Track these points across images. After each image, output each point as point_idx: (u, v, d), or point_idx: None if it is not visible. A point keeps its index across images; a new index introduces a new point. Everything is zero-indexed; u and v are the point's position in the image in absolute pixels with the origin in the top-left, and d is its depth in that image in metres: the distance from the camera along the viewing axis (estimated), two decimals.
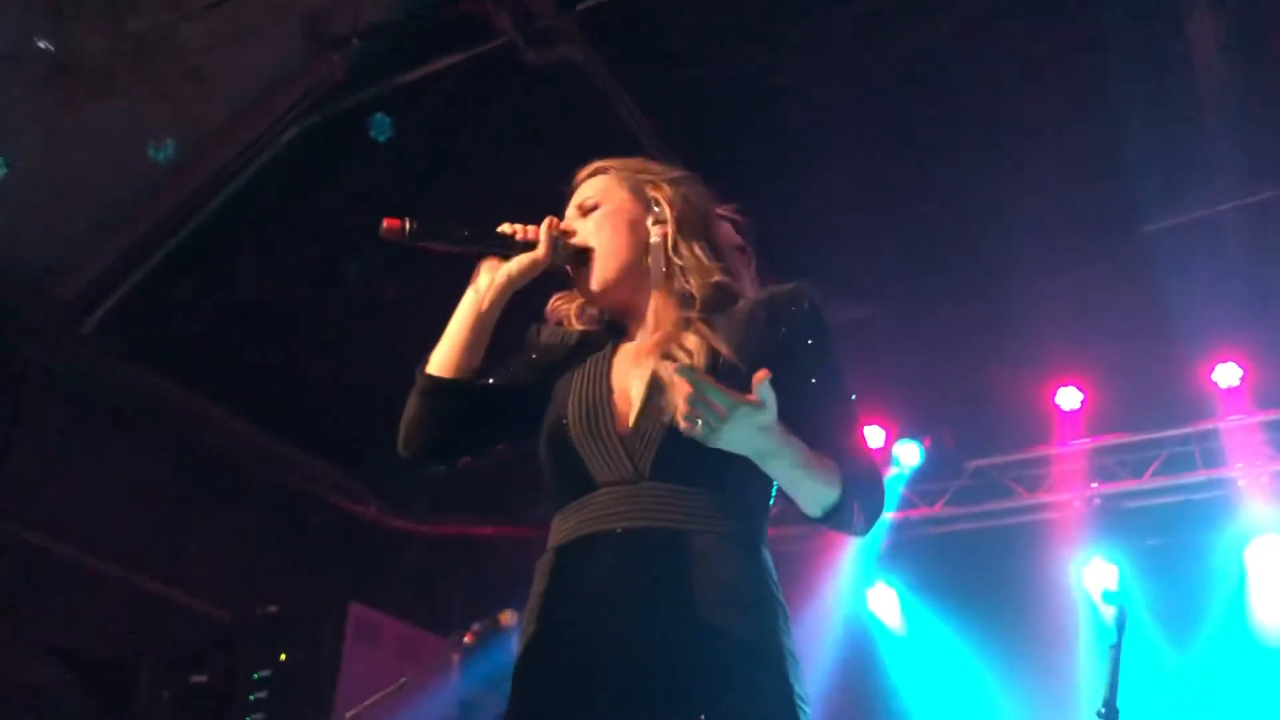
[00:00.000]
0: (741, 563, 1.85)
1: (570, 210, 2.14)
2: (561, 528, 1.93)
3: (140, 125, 4.83)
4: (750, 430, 1.69)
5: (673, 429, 1.81)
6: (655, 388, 1.90)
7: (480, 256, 2.10)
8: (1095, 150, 5.50)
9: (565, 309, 2.15)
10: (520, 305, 2.12)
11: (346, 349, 6.45)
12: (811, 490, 1.84)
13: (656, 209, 2.07)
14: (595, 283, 2.05)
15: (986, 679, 6.35)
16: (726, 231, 2.15)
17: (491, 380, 2.12)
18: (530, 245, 2.04)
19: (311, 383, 6.51)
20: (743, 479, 1.88)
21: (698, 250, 2.04)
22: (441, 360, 2.06)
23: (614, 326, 2.11)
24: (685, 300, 2.00)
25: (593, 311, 2.13)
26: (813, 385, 1.93)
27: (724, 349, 1.90)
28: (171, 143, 3.88)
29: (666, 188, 2.09)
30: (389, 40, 5.14)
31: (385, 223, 1.97)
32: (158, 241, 5.49)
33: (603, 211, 2.09)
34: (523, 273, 2.05)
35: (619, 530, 1.84)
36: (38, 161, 5.03)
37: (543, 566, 1.94)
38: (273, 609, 6.23)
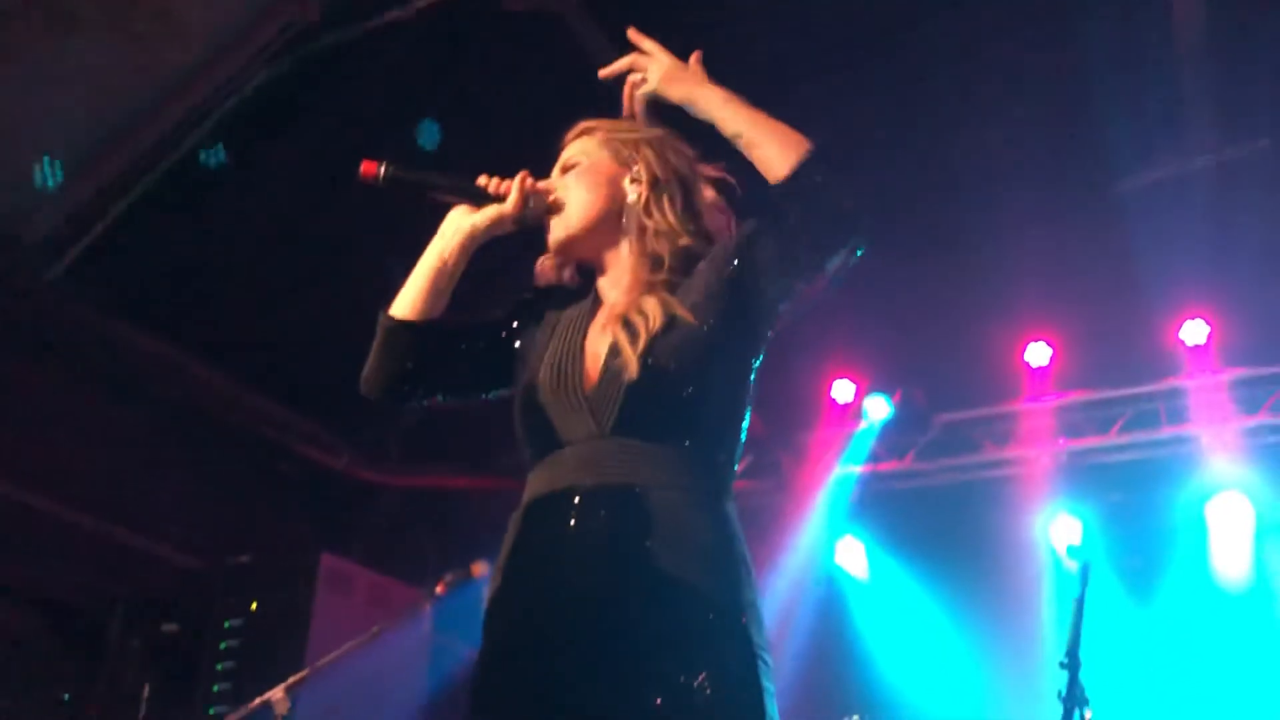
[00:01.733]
0: (702, 517, 1.88)
1: (555, 172, 2.15)
2: (533, 484, 1.97)
3: (108, 65, 4.75)
4: (659, 72, 2.06)
5: (633, 387, 1.87)
6: (614, 351, 1.93)
7: (452, 205, 2.11)
8: (1067, 106, 5.50)
9: (549, 267, 2.17)
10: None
11: (318, 297, 6.40)
12: (768, 140, 1.95)
13: (634, 169, 2.09)
14: (557, 234, 2.09)
15: (953, 631, 6.45)
16: (708, 192, 2.16)
17: (461, 327, 2.15)
18: (502, 199, 2.07)
19: (283, 332, 6.46)
20: (706, 436, 1.93)
21: (669, 213, 2.06)
22: (402, 303, 2.11)
23: (594, 287, 2.13)
24: (655, 263, 2.04)
25: (572, 270, 2.14)
26: (755, 239, 2.01)
27: (680, 311, 1.94)
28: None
29: (647, 149, 2.11)
30: None
31: (362, 165, 2.01)
32: (126, 186, 5.41)
33: (579, 169, 2.11)
34: (489, 225, 2.08)
35: (582, 486, 1.88)
36: (2, 104, 4.94)
37: (513, 521, 1.97)
38: (244, 558, 6.23)
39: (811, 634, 6.51)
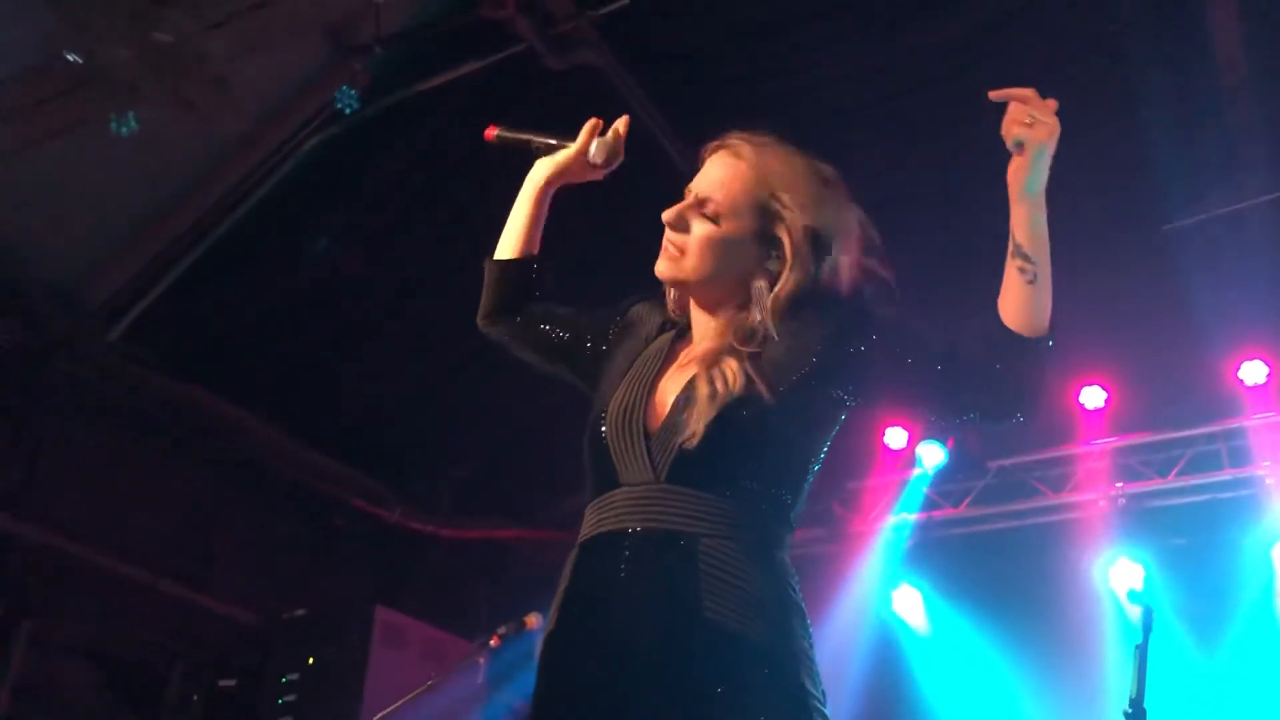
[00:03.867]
0: (752, 566, 1.86)
1: (690, 192, 2.03)
2: (586, 522, 1.97)
3: (165, 135, 4.88)
4: (1049, 135, 1.83)
5: (693, 433, 1.87)
6: (682, 404, 1.92)
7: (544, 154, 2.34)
8: (1117, 147, 5.47)
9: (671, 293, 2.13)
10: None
11: (371, 355, 6.49)
12: (1043, 289, 1.83)
13: (775, 252, 1.97)
14: (667, 272, 2.03)
15: (1012, 680, 6.32)
16: (848, 255, 2.03)
17: (566, 312, 2.28)
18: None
19: (336, 388, 6.56)
20: (760, 488, 1.90)
21: (787, 299, 1.95)
22: (500, 244, 2.37)
23: (684, 327, 2.11)
24: (750, 335, 1.95)
25: (684, 300, 2.11)
26: (884, 339, 1.93)
27: (760, 386, 1.88)
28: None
29: (798, 220, 1.96)
30: (410, 48, 5.17)
31: (486, 132, 2.38)
32: (183, 249, 5.54)
33: (714, 234, 1.98)
34: (557, 169, 2.30)
35: (632, 530, 1.87)
36: (65, 171, 5.09)
37: (568, 562, 1.97)
38: (300, 612, 6.28)
39: (868, 684, 6.41)
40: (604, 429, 1.96)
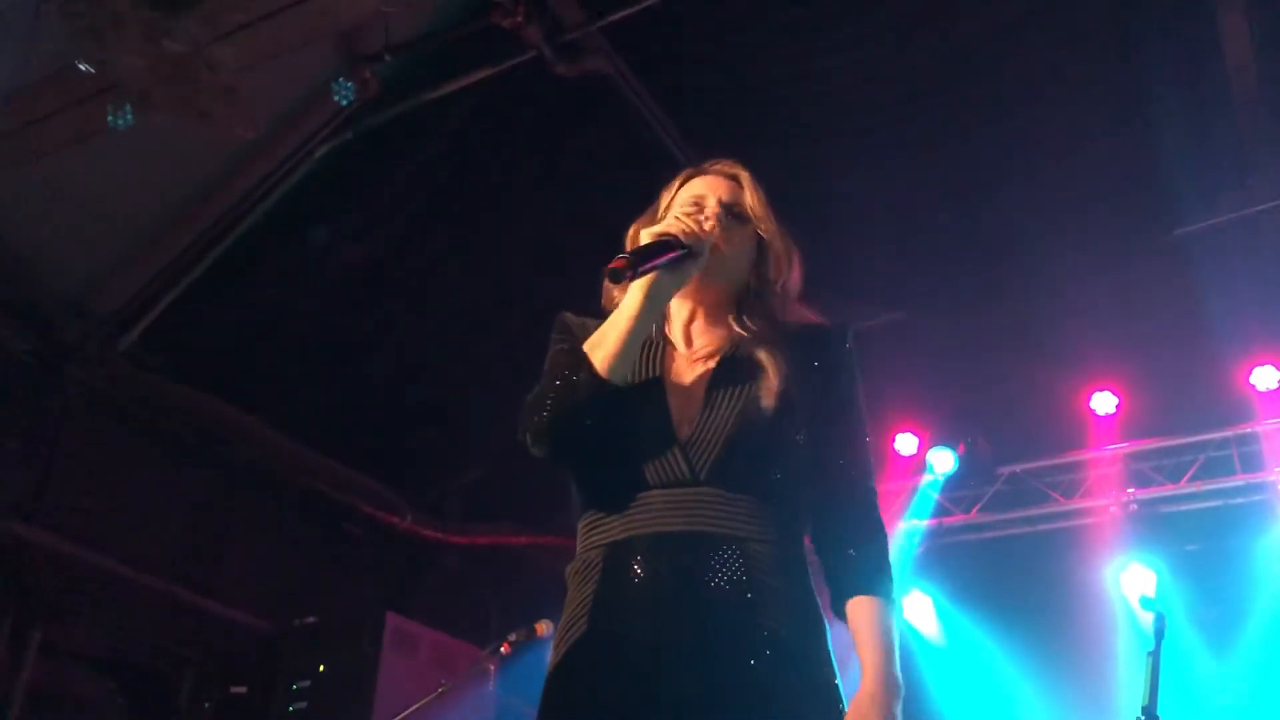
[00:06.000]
0: (792, 569, 1.89)
1: (713, 201, 2.08)
2: (609, 526, 1.91)
3: (177, 144, 4.91)
4: None
5: (731, 435, 1.88)
6: (713, 399, 1.93)
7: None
8: (1129, 153, 5.47)
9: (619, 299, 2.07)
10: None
11: (380, 362, 6.51)
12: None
13: (765, 260, 2.09)
14: (713, 271, 2.01)
15: (1023, 687, 6.31)
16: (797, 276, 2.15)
17: None
18: (684, 248, 1.95)
19: (346, 395, 6.57)
20: (786, 489, 1.92)
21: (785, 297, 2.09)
22: (613, 367, 1.92)
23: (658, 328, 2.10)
24: (754, 334, 2.01)
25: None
26: (842, 426, 2.02)
27: (778, 381, 1.94)
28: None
29: (779, 239, 2.11)
30: (420, 56, 5.19)
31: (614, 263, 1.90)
32: (195, 257, 5.56)
33: (746, 231, 2.08)
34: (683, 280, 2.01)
35: (675, 533, 1.85)
36: (77, 180, 5.12)
37: (588, 563, 1.92)
38: (311, 619, 6.29)
39: None
40: (627, 433, 1.93)
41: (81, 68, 3.81)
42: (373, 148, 5.42)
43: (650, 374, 2.01)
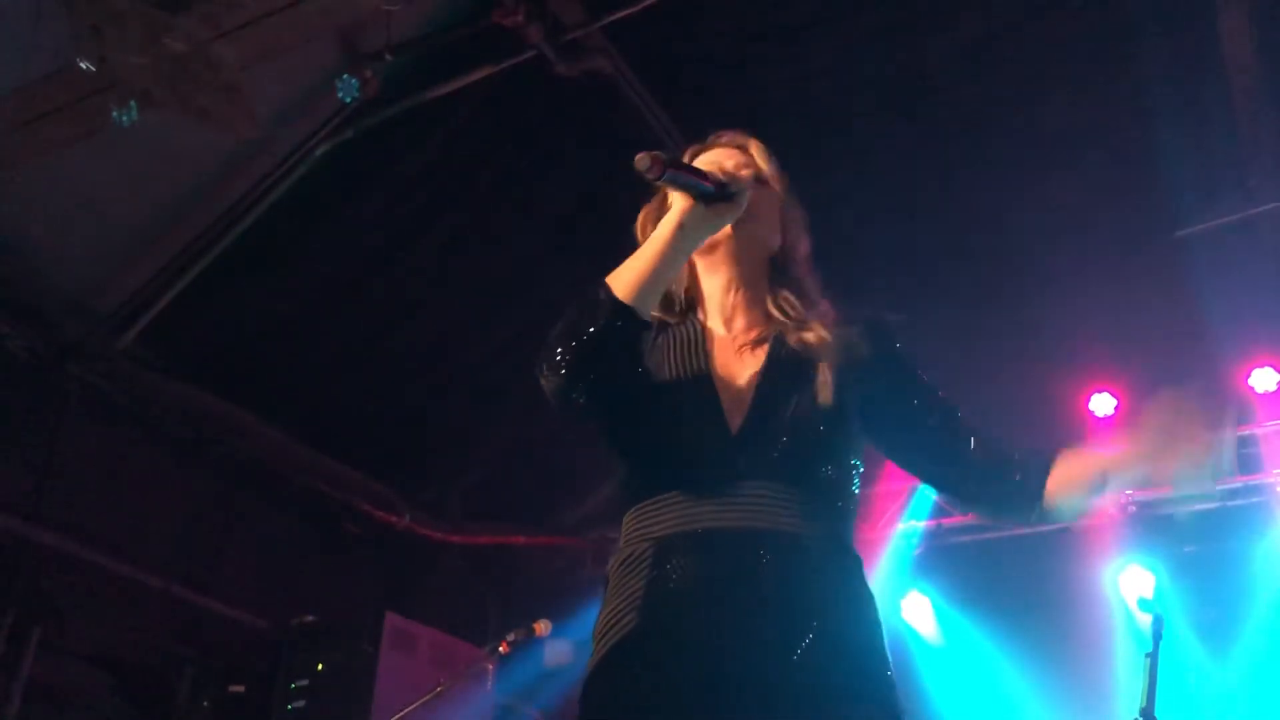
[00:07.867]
0: (847, 566, 1.89)
1: (734, 162, 1.98)
2: (657, 519, 1.86)
3: (177, 142, 4.91)
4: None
5: (784, 429, 1.85)
6: (763, 393, 1.89)
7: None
8: (1129, 153, 5.47)
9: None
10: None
11: (380, 360, 6.50)
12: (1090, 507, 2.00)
13: (787, 230, 2.08)
14: (742, 236, 1.98)
15: (1022, 688, 6.31)
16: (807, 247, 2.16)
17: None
18: (730, 196, 1.87)
19: (347, 394, 6.57)
20: (838, 484, 1.91)
21: (808, 287, 2.07)
22: (637, 294, 1.79)
23: (689, 313, 2.06)
24: (794, 317, 1.99)
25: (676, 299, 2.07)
26: (936, 393, 2.04)
27: (829, 371, 1.91)
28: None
29: (796, 211, 2.11)
30: (421, 55, 5.19)
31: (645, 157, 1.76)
32: (195, 256, 5.56)
33: (779, 199, 2.06)
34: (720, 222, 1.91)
35: (726, 529, 1.80)
36: (77, 178, 5.11)
37: (636, 557, 1.86)
38: (310, 618, 6.28)
39: None
40: (672, 422, 1.89)
41: (82, 66, 3.80)
42: (373, 147, 5.42)
43: (697, 366, 1.94)
